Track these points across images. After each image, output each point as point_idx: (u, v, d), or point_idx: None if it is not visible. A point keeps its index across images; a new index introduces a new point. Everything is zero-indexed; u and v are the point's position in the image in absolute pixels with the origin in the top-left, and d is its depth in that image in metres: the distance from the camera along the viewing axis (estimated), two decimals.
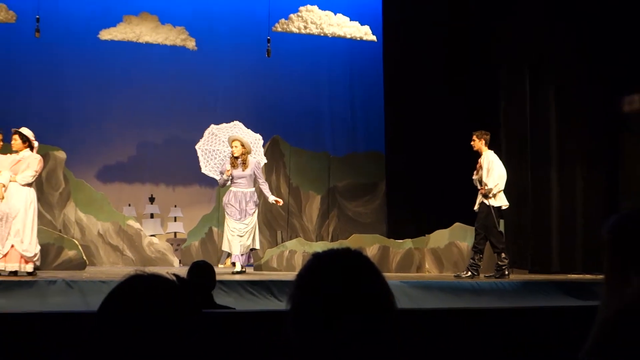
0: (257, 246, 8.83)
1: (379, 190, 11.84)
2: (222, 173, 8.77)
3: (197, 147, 9.34)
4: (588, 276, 9.12)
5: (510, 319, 3.97)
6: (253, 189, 8.75)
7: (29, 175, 7.60)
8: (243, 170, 8.65)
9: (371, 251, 10.09)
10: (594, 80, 9.70)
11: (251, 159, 8.75)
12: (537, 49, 10.05)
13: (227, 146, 8.94)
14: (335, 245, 9.96)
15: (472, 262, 8.61)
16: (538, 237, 10.02)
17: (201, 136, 9.39)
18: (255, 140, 9.26)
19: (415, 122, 10.94)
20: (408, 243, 10.55)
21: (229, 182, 8.71)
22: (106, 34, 10.78)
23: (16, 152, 7.66)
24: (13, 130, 7.79)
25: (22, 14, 10.18)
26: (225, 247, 8.86)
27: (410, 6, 11.08)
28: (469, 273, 8.54)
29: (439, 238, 10.43)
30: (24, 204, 7.62)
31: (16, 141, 7.68)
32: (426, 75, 10.96)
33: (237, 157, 8.68)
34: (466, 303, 7.17)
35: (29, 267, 7.61)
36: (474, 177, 8.64)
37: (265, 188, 8.88)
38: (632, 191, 8.94)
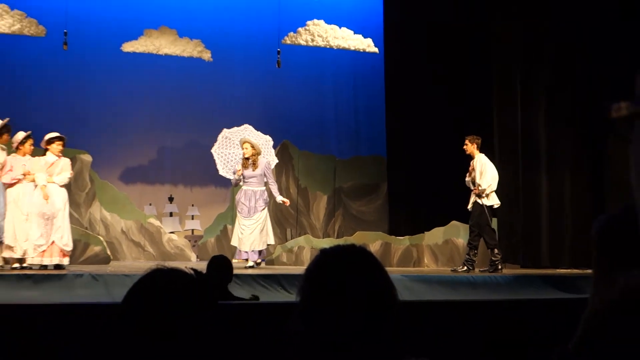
0: (271, 241, 8.81)
1: (381, 190, 11.83)
2: (234, 173, 8.78)
3: (212, 150, 9.34)
4: (575, 271, 9.09)
5: (503, 310, 3.97)
6: (263, 188, 8.72)
7: (67, 177, 7.80)
8: (253, 170, 8.62)
9: (374, 247, 10.09)
10: (581, 89, 9.68)
11: (261, 160, 8.72)
12: (526, 60, 10.03)
13: (240, 148, 8.94)
14: (341, 241, 10.01)
15: (468, 258, 8.61)
16: (529, 234, 10.00)
17: (216, 140, 9.40)
18: (265, 142, 9.25)
19: (414, 128, 10.94)
20: (408, 240, 10.55)
21: (241, 182, 8.71)
22: (128, 47, 10.80)
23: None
24: (59, 135, 7.86)
25: (51, 28, 10.20)
26: (233, 243, 8.84)
27: (409, 21, 11.07)
28: (465, 267, 8.54)
29: (437, 235, 10.42)
30: (63, 203, 7.74)
31: (60, 147, 7.79)
32: (424, 85, 10.95)
33: (247, 158, 8.67)
34: (462, 295, 7.17)
35: (66, 261, 7.71)
36: (467, 178, 8.66)
37: (274, 188, 8.83)
38: (617, 192, 8.90)
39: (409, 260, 10.39)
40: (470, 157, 8.61)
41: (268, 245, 8.83)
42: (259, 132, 9.24)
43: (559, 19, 9.65)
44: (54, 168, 7.72)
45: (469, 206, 8.59)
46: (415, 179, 10.86)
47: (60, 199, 7.75)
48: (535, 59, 9.99)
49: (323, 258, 1.38)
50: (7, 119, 7.72)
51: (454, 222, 10.11)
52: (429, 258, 10.45)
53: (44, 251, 7.54)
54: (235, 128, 9.33)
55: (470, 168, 8.60)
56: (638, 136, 0.61)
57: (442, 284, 7.63)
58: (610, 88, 8.90)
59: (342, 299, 1.32)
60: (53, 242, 7.59)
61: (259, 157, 8.70)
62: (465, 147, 8.63)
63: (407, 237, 10.58)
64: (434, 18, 10.80)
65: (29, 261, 7.53)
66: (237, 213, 8.74)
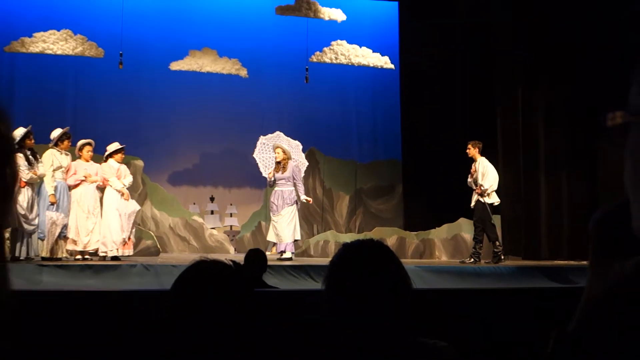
0: (298, 237, 8.75)
1: (397, 191, 11.78)
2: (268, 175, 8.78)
3: (254, 156, 9.23)
4: (572, 262, 8.97)
5: (506, 297, 3.92)
6: (292, 189, 8.65)
7: (131, 180, 7.95)
8: (283, 173, 8.57)
9: (390, 241, 10.04)
10: (576, 98, 9.57)
11: (291, 163, 8.66)
12: (526, 74, 9.93)
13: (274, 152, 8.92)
14: (361, 236, 9.97)
15: (474, 251, 8.54)
16: (530, 229, 9.88)
17: (252, 147, 9.41)
18: (295, 146, 9.17)
19: (426, 135, 10.89)
20: (421, 234, 10.49)
21: (275, 183, 8.70)
22: (175, 65, 10.90)
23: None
24: (122, 146, 8.02)
25: (109, 50, 10.34)
26: (269, 238, 8.85)
27: (422, 41, 11.02)
28: (472, 259, 8.47)
29: (447, 230, 10.35)
30: (135, 203, 8.04)
31: (122, 155, 7.97)
32: (434, 96, 10.89)
33: (279, 162, 8.66)
34: (469, 284, 7.10)
35: (132, 251, 7.85)
36: (469, 179, 8.60)
37: (300, 189, 8.72)
38: (609, 190, 8.76)
39: (421, 253, 10.34)
40: (472, 160, 8.57)
41: (296, 240, 8.74)
42: (289, 138, 9.24)
43: (557, 36, 9.54)
44: (120, 173, 7.92)
45: (472, 204, 8.54)
46: (427, 181, 10.80)
47: (132, 199, 8.03)
48: (535, 74, 9.88)
49: (345, 251, 1.38)
50: (67, 128, 7.82)
51: (461, 219, 10.04)
52: (439, 251, 10.37)
53: (123, 244, 7.69)
54: (270, 135, 9.33)
55: (472, 170, 8.55)
56: (631, 142, 0.61)
57: (451, 274, 7.58)
58: (601, 99, 8.77)
59: (363, 287, 1.31)
60: (130, 237, 7.76)
61: (289, 161, 8.66)
62: (467, 150, 8.59)
63: (420, 232, 10.53)
64: (442, 39, 10.75)
65: (110, 254, 7.62)
66: (270, 211, 8.76)
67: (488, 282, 7.29)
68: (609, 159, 8.87)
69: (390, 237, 10.19)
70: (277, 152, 8.69)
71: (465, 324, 3.32)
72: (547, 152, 9.89)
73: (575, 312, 1.01)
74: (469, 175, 8.59)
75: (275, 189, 8.66)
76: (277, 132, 9.30)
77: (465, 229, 9.97)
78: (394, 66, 11.60)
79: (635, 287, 0.56)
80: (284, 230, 8.45)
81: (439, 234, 10.42)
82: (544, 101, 9.92)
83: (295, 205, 8.65)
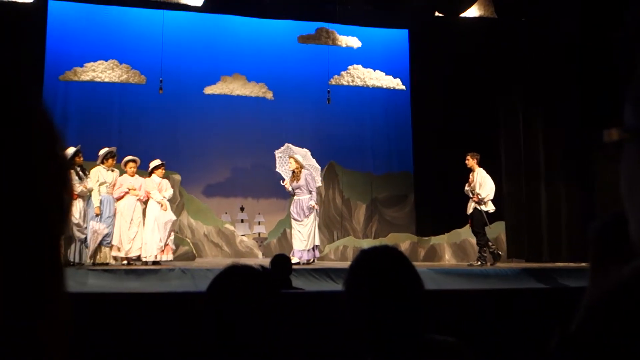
0: (317, 242, 8.50)
1: (409, 200, 11.71)
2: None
3: (277, 170, 9.09)
4: (571, 264, 8.82)
5: (511, 297, 3.87)
6: (309, 196, 8.34)
7: (171, 193, 8.02)
8: (297, 182, 8.28)
9: (404, 246, 9.98)
10: (572, 115, 9.46)
11: (304, 172, 8.33)
12: (526, 94, 9.86)
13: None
14: (377, 242, 9.92)
15: (480, 255, 8.43)
16: (532, 234, 9.76)
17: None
18: (304, 153, 8.80)
19: (436, 149, 10.83)
20: (432, 239, 10.41)
21: (294, 192, 8.41)
22: (209, 90, 11.01)
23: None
24: (162, 162, 8.09)
25: (150, 77, 10.49)
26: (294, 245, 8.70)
27: (430, 64, 11.01)
28: (479, 262, 8.36)
29: (455, 235, 10.26)
30: (172, 213, 8.09)
31: (163, 171, 8.05)
32: (443, 114, 10.85)
33: (293, 171, 8.37)
34: (476, 285, 7.02)
35: (172, 256, 7.89)
36: (466, 188, 8.49)
37: (313, 196, 8.35)
38: (604, 199, 8.62)
39: (432, 256, 10.25)
40: (470, 170, 8.49)
41: (317, 246, 8.43)
42: (298, 147, 8.89)
43: (555, 52, 9.46)
44: (161, 186, 7.99)
45: (469, 211, 8.42)
46: (437, 190, 10.73)
47: (170, 210, 8.08)
48: (534, 94, 9.81)
49: (363, 256, 1.37)
50: (114, 148, 7.93)
51: (468, 225, 9.92)
52: (449, 254, 10.28)
53: (162, 251, 7.75)
54: (281, 148, 9.02)
55: (470, 180, 8.46)
56: (626, 156, 0.60)
57: (460, 276, 7.50)
58: (596, 114, 8.65)
59: (378, 288, 1.30)
60: (167, 244, 7.81)
61: (302, 170, 8.33)
62: (467, 161, 8.51)
63: (431, 237, 10.45)
64: (449, 61, 10.72)
65: (149, 259, 7.65)
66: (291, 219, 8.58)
67: (494, 283, 7.20)
68: (603, 170, 8.74)
69: (403, 242, 10.13)
70: (290, 162, 8.47)
71: (472, 322, 3.27)
72: (546, 162, 9.79)
73: (577, 312, 0.99)
74: (467, 184, 8.50)
75: (295, 198, 8.51)
76: (286, 144, 9.00)
77: (471, 234, 9.86)
78: (405, 87, 11.58)
79: (633, 291, 0.55)
80: (296, 240, 8.21)
81: (448, 239, 10.33)
82: (542, 115, 9.84)
83: (314, 213, 8.37)
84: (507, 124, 10.15)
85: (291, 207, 8.48)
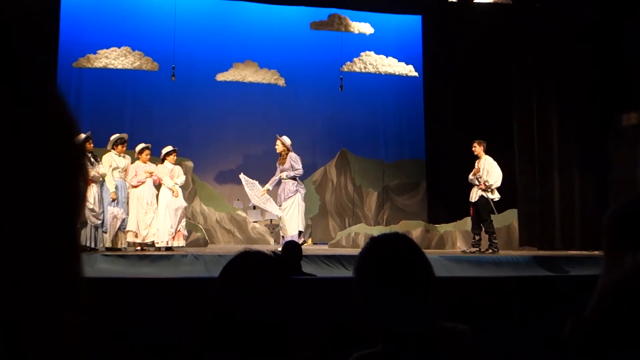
0: (301, 229, 8.09)
1: (421, 187, 11.68)
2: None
3: (247, 191, 8.51)
4: (584, 252, 8.76)
5: (523, 284, 3.85)
6: (293, 181, 8.10)
7: (184, 179, 8.05)
8: (283, 165, 8.06)
9: (415, 233, 9.97)
10: (588, 102, 9.35)
11: (290, 155, 8.10)
12: (541, 80, 9.74)
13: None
14: (388, 229, 9.92)
15: (491, 242, 8.41)
16: (545, 221, 9.70)
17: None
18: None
19: (448, 136, 10.76)
20: (444, 227, 10.38)
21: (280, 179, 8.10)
22: (221, 77, 11.01)
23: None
24: (174, 148, 8.12)
25: (162, 64, 10.51)
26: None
27: (443, 51, 10.91)
28: (490, 250, 8.34)
29: (467, 223, 10.19)
30: (183, 199, 8.10)
31: (175, 157, 8.07)
32: (455, 101, 10.76)
33: (280, 154, 8.13)
34: (488, 272, 7.01)
35: (183, 242, 7.95)
36: (471, 176, 8.44)
37: (288, 173, 7.97)
38: (617, 186, 8.53)
39: (444, 244, 10.23)
40: (476, 158, 8.44)
41: (300, 232, 8.04)
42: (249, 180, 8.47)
43: (569, 38, 9.34)
44: (173, 173, 8.03)
45: (474, 199, 8.38)
46: (449, 178, 10.68)
47: (182, 196, 8.08)
48: (548, 81, 9.69)
49: (373, 243, 1.37)
50: (125, 135, 7.98)
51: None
52: (460, 242, 10.25)
53: (173, 237, 7.80)
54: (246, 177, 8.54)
55: (476, 167, 8.41)
56: None
57: (471, 263, 7.48)
58: (611, 100, 8.55)
59: (389, 275, 1.30)
60: (179, 230, 7.86)
61: (288, 153, 8.08)
62: (473, 149, 8.46)
63: (442, 224, 10.42)
64: (462, 47, 10.62)
65: (160, 244, 7.71)
66: None
67: (505, 271, 7.18)
68: (617, 157, 8.64)
69: (415, 229, 10.11)
70: (277, 143, 8.23)
71: (483, 309, 3.27)
72: (560, 150, 9.70)
73: (590, 299, 0.99)
74: (472, 172, 8.45)
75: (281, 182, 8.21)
76: (241, 175, 8.59)
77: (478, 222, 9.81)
78: (418, 74, 11.49)
79: None
80: (288, 224, 7.95)
81: (460, 226, 10.29)
82: (556, 103, 9.73)
83: (296, 196, 8.03)
84: (520, 110, 10.04)
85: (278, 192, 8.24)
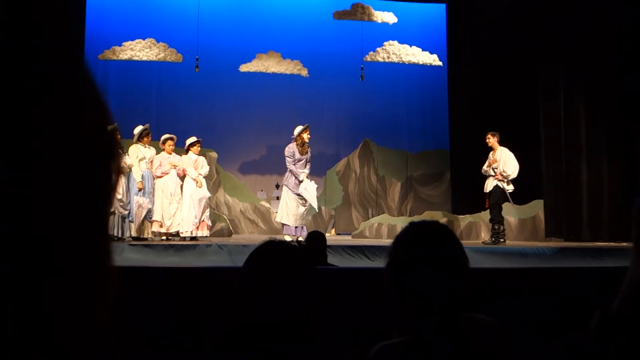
0: (285, 221, 8.20)
1: (445, 178, 11.58)
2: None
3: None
4: (612, 244, 8.60)
5: (549, 276, 3.81)
6: (288, 173, 8.24)
7: (207, 170, 8.12)
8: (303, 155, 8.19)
9: None
10: (615, 90, 9.15)
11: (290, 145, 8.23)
12: (567, 70, 9.55)
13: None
14: (412, 219, 9.83)
15: (498, 232, 8.34)
16: (572, 212, 9.54)
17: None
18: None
19: (472, 126, 10.61)
20: (468, 218, 10.28)
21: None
22: (244, 67, 11.03)
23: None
24: (198, 139, 8.18)
25: (187, 55, 10.57)
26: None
27: (468, 39, 10.76)
28: (493, 239, 8.30)
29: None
30: (207, 190, 8.09)
31: (198, 147, 8.13)
32: (480, 90, 10.63)
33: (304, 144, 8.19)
34: (514, 264, 6.93)
35: (207, 232, 8.03)
36: (485, 167, 8.35)
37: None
38: None
39: (468, 235, 10.13)
40: (490, 149, 8.33)
41: (284, 224, 8.16)
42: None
43: (594, 26, 9.12)
44: (197, 164, 8.10)
45: (488, 189, 8.29)
46: (473, 168, 10.53)
47: (205, 186, 8.13)
48: (575, 71, 9.49)
49: (411, 229, 1.36)
50: (147, 125, 8.05)
51: (505, 203, 9.77)
52: (485, 233, 10.14)
53: (197, 227, 7.88)
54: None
55: (491, 158, 8.31)
56: None
57: (496, 254, 7.41)
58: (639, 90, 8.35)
59: (425, 262, 1.29)
60: (203, 220, 7.94)
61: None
62: (487, 140, 8.37)
63: (467, 215, 10.32)
64: (486, 37, 10.46)
65: (185, 234, 7.78)
66: None
67: (531, 262, 7.09)
68: None
69: (439, 220, 10.03)
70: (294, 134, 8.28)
71: (510, 301, 3.24)
72: (588, 139, 9.52)
73: (618, 292, 0.96)
74: (486, 164, 8.36)
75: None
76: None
77: (507, 212, 9.69)
78: (442, 63, 11.36)
79: None
80: (279, 209, 8.03)
81: (484, 217, 10.18)
82: (584, 91, 9.53)
83: (283, 189, 8.12)
84: (547, 101, 9.86)
85: None
